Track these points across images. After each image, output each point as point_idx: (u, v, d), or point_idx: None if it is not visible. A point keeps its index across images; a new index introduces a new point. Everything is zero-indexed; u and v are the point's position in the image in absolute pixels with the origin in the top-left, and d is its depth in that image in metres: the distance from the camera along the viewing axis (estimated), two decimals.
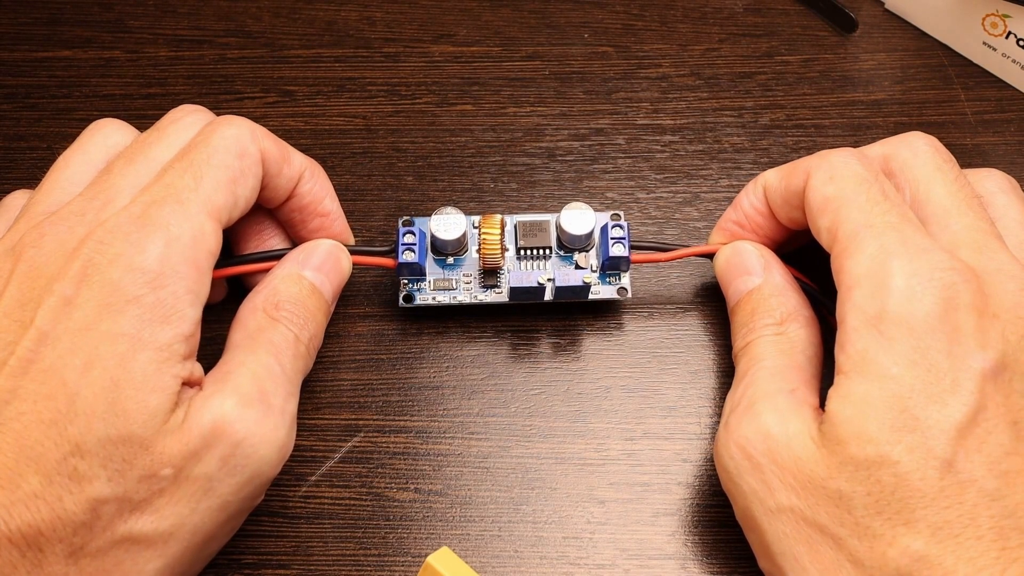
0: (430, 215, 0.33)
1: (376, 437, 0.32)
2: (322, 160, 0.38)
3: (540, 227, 0.34)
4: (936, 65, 0.41)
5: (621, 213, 0.34)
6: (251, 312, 0.29)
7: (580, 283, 0.32)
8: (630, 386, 0.33)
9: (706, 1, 0.43)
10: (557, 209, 0.37)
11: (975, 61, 0.41)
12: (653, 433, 0.32)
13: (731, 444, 0.27)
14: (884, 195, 0.28)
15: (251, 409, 0.26)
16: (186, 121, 0.30)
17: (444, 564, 0.26)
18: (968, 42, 0.41)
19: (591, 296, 0.33)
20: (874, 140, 0.38)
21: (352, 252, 0.33)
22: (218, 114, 0.39)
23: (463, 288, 0.33)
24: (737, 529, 0.31)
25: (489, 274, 0.33)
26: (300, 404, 0.32)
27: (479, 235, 0.33)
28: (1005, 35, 0.39)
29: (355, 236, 0.36)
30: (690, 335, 0.34)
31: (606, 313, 0.35)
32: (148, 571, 0.25)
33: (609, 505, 0.31)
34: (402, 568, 0.30)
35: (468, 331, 0.34)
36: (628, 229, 0.33)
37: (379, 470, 0.32)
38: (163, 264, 0.26)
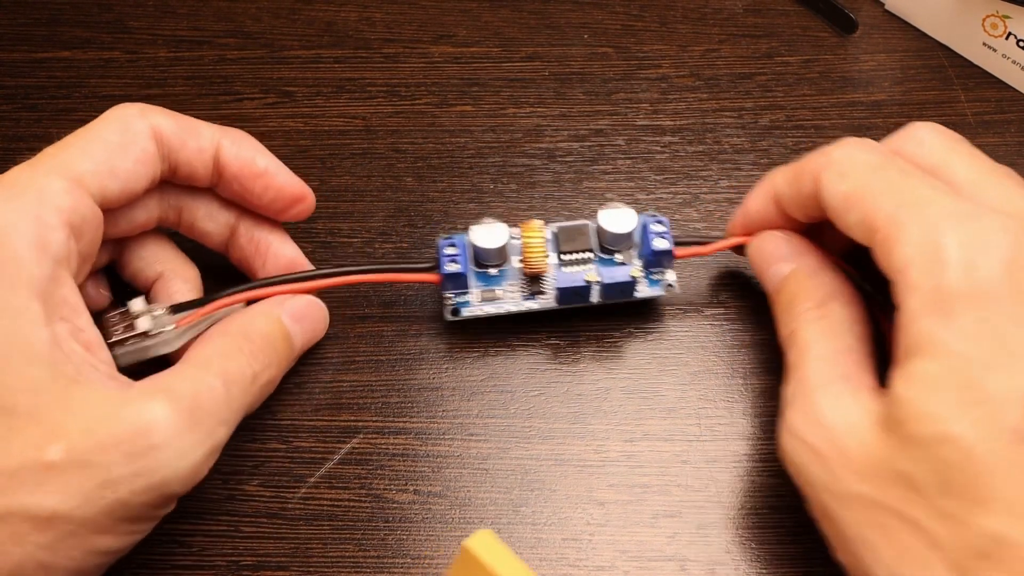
0: (447, 230, 0.33)
1: (375, 438, 0.32)
2: (321, 160, 0.38)
3: (580, 231, 0.33)
4: (936, 66, 0.41)
5: (656, 214, 0.34)
6: (219, 335, 0.29)
7: (627, 278, 0.32)
8: (629, 387, 0.33)
9: (706, 2, 0.43)
10: (557, 211, 0.37)
11: (975, 62, 0.41)
12: (653, 434, 0.32)
13: (792, 438, 0.26)
14: (904, 173, 0.27)
15: (179, 419, 0.25)
16: None
17: (484, 549, 0.24)
18: (968, 43, 0.41)
19: (638, 295, 0.33)
20: (875, 141, 0.39)
21: (394, 270, 0.32)
22: (219, 115, 0.39)
23: (509, 297, 0.33)
24: (737, 530, 0.31)
25: (534, 280, 0.33)
26: (299, 406, 0.32)
27: (521, 241, 0.32)
28: (1005, 36, 0.39)
29: (355, 237, 0.36)
30: (690, 336, 0.34)
31: (606, 314, 0.35)
32: (22, 551, 0.24)
33: (608, 507, 0.31)
34: (401, 570, 0.30)
35: (467, 332, 0.34)
36: (669, 224, 0.32)
37: (378, 471, 0.32)
38: (1, 222, 0.25)
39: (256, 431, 0.32)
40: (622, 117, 0.40)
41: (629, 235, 0.33)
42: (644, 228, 0.33)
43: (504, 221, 0.33)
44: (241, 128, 0.39)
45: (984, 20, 0.39)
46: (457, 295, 0.33)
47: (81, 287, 0.28)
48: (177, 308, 0.30)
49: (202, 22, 0.42)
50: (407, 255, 0.36)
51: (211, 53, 0.41)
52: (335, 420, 0.33)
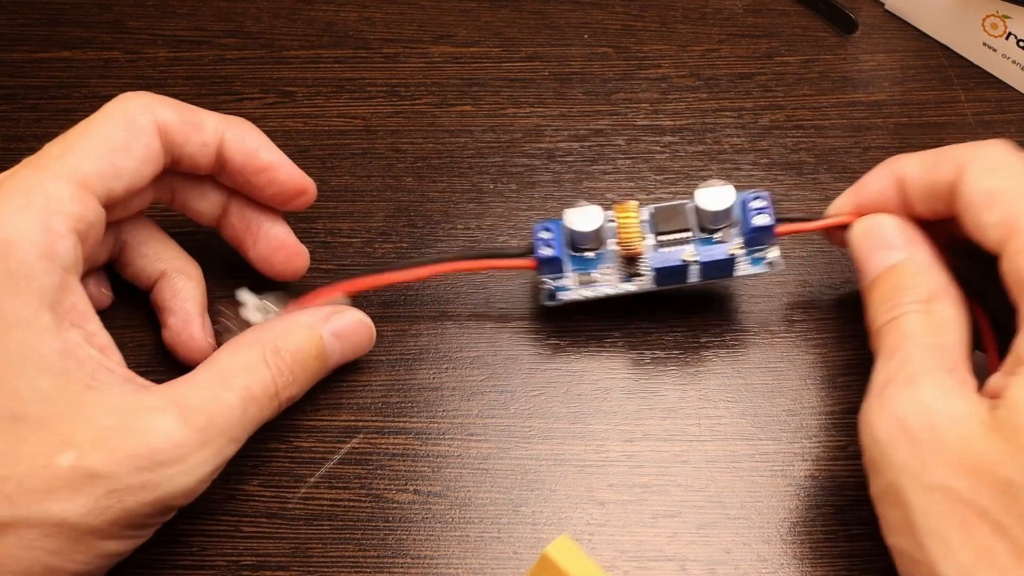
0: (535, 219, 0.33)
1: (375, 438, 0.32)
2: (321, 160, 0.38)
3: (677, 211, 0.32)
4: (936, 66, 0.41)
5: (757, 190, 0.33)
6: (249, 344, 0.29)
7: (726, 256, 0.31)
8: (629, 387, 0.33)
9: (706, 2, 0.43)
10: (557, 211, 0.37)
11: (975, 62, 0.41)
12: (653, 434, 0.32)
13: (886, 415, 0.26)
14: None
15: (190, 436, 0.25)
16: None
17: (564, 556, 0.24)
18: (968, 43, 0.41)
19: (738, 273, 0.32)
20: (874, 141, 0.39)
21: (490, 255, 0.33)
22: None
23: (605, 280, 0.32)
24: (737, 531, 0.31)
25: (630, 262, 0.32)
26: (299, 406, 0.32)
27: (616, 222, 0.32)
28: (1005, 36, 0.39)
29: (355, 237, 0.36)
30: (690, 336, 0.34)
31: (605, 313, 0.35)
32: (31, 556, 0.24)
33: (608, 507, 0.31)
34: (401, 570, 0.30)
35: (467, 332, 0.34)
36: (769, 199, 0.31)
37: (378, 471, 0.32)
38: (6, 231, 0.25)
39: (256, 431, 0.32)
40: (622, 117, 0.40)
41: (728, 212, 0.32)
42: (744, 204, 0.32)
43: (599, 204, 0.32)
44: None
45: (984, 20, 0.39)
46: (554, 279, 0.32)
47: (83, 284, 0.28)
48: (282, 300, 0.31)
49: (202, 22, 0.42)
50: (407, 255, 0.36)
51: (211, 53, 0.41)
52: (335, 420, 0.33)
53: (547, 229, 0.32)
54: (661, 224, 0.32)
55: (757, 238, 0.32)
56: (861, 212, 0.31)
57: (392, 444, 0.32)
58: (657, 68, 0.41)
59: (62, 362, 0.25)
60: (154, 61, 0.41)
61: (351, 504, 0.31)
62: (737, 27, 0.42)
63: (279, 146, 0.38)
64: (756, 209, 0.31)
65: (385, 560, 0.30)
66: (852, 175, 0.38)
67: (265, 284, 0.33)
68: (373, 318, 0.34)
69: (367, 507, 0.31)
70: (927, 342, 0.27)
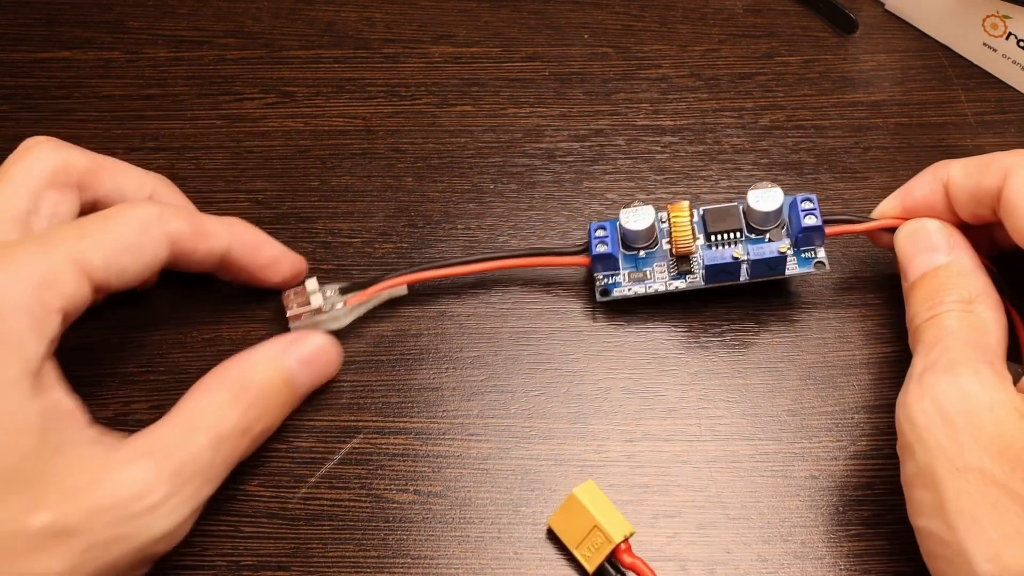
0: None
1: (375, 439, 0.32)
2: (322, 160, 0.38)
3: (728, 212, 0.33)
4: (936, 66, 0.41)
5: (806, 193, 0.34)
6: (214, 386, 0.29)
7: (776, 253, 0.32)
8: (630, 387, 0.33)
9: (706, 2, 0.43)
10: (557, 210, 0.37)
11: (975, 62, 0.41)
12: (653, 435, 0.32)
13: (926, 398, 0.26)
14: None
15: (163, 483, 0.26)
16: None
17: (588, 498, 0.29)
18: (968, 43, 0.41)
19: (788, 272, 0.33)
20: (874, 141, 0.39)
21: (546, 254, 0.34)
22: (219, 115, 0.39)
23: (658, 277, 0.33)
24: (737, 531, 0.31)
25: (682, 260, 0.33)
26: (300, 406, 0.32)
27: (669, 221, 0.33)
28: (1005, 36, 0.39)
29: (355, 237, 0.36)
30: (690, 336, 0.34)
31: (605, 313, 0.35)
32: None
33: None
34: (401, 570, 0.30)
35: (467, 332, 0.34)
36: (817, 201, 0.32)
37: (378, 472, 0.32)
38: (5, 297, 0.26)
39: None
40: (622, 117, 0.40)
41: (777, 213, 0.33)
42: (793, 206, 0.33)
43: (651, 204, 0.33)
44: (241, 128, 0.39)
45: (984, 20, 0.39)
46: (607, 276, 0.34)
47: None
48: (345, 289, 0.33)
49: (202, 22, 0.42)
50: (407, 255, 0.36)
51: (211, 53, 0.41)
52: (335, 420, 0.33)
53: (602, 228, 0.33)
54: (712, 224, 0.33)
55: (806, 238, 0.33)
56: (907, 215, 0.32)
57: (392, 444, 0.32)
58: (657, 68, 0.41)
59: (40, 424, 0.25)
60: (154, 61, 0.41)
61: (351, 504, 0.31)
62: (737, 27, 0.42)
63: (279, 146, 0.39)
64: (805, 210, 0.32)
65: (385, 560, 0.30)
66: (852, 175, 0.38)
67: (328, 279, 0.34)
68: (373, 318, 0.34)
69: (367, 507, 0.31)
70: (967, 337, 0.28)
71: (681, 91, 0.40)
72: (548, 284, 0.35)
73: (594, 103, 0.40)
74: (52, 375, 0.27)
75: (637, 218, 0.33)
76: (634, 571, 0.29)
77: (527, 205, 0.37)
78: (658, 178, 0.38)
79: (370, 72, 0.41)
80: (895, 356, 0.34)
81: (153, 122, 0.39)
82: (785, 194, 0.33)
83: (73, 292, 0.27)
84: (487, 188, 0.38)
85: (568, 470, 0.32)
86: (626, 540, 0.29)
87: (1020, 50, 0.39)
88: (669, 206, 0.33)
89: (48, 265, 0.27)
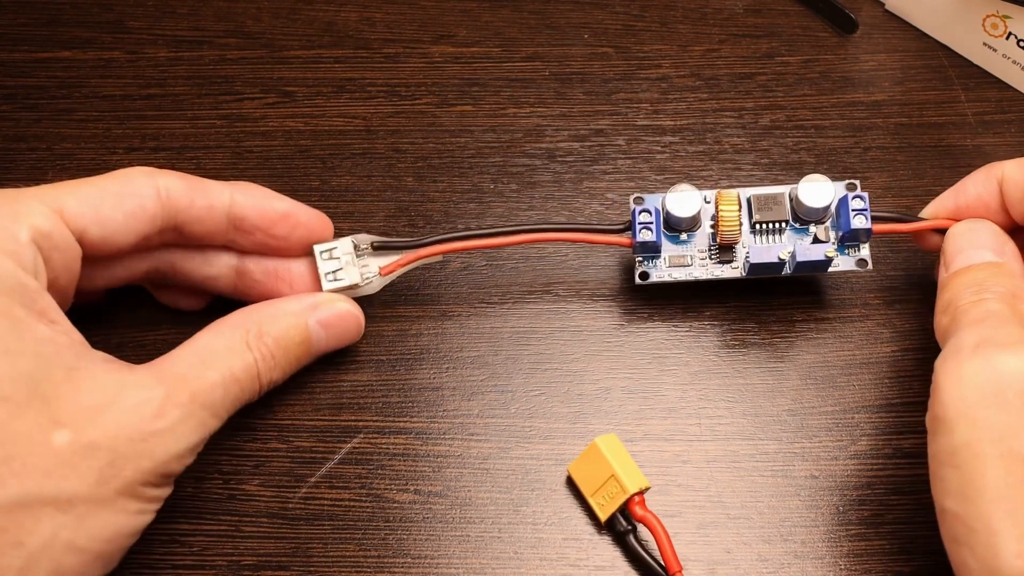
0: (664, 192, 0.33)
1: (376, 438, 0.32)
2: (322, 160, 0.38)
3: (775, 200, 0.33)
4: (936, 66, 0.41)
5: (857, 183, 0.33)
6: (236, 325, 0.29)
7: (822, 257, 0.32)
8: (630, 387, 0.33)
9: (706, 2, 0.43)
10: (557, 210, 0.37)
11: (975, 62, 0.41)
12: (653, 434, 0.32)
13: (986, 370, 0.25)
14: None
15: (174, 408, 0.26)
16: None
17: (608, 447, 0.30)
18: (968, 43, 0.41)
19: (831, 269, 0.32)
20: (874, 141, 0.39)
21: (589, 230, 0.33)
22: (219, 115, 0.39)
23: (698, 264, 0.33)
24: (737, 530, 0.31)
25: (725, 249, 0.33)
26: (300, 406, 0.32)
27: (717, 211, 0.32)
28: (1005, 36, 0.39)
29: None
30: (690, 336, 0.34)
31: (605, 313, 0.35)
32: (48, 531, 0.24)
33: None
34: (402, 569, 0.30)
35: (467, 332, 0.34)
36: (868, 200, 0.32)
37: (379, 471, 0.32)
38: None
39: (257, 431, 0.32)
40: (622, 117, 0.40)
41: (825, 208, 0.32)
42: (843, 202, 0.32)
43: (696, 187, 0.33)
44: (241, 128, 0.39)
45: (984, 20, 0.39)
46: (648, 259, 0.33)
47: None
48: (379, 246, 0.32)
49: (202, 22, 0.42)
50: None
51: (211, 53, 0.41)
52: (336, 420, 0.33)
53: (647, 211, 0.32)
54: (758, 212, 0.33)
55: (852, 235, 0.32)
56: (959, 215, 0.31)
57: (393, 444, 0.32)
58: (657, 68, 0.41)
59: (41, 348, 0.25)
60: (154, 61, 0.41)
61: (352, 504, 0.31)
62: (737, 27, 0.42)
63: (279, 146, 0.39)
64: (856, 210, 0.32)
65: (386, 560, 0.30)
66: (852, 175, 0.38)
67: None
68: (374, 318, 0.34)
69: (368, 507, 0.31)
70: (1011, 320, 0.27)
71: (681, 91, 0.40)
72: (548, 284, 0.35)
73: (594, 103, 0.40)
74: (52, 308, 0.27)
75: (683, 203, 0.33)
76: (645, 524, 0.29)
77: (527, 205, 0.37)
78: (658, 178, 0.38)
79: (370, 72, 0.41)
80: (895, 356, 0.34)
81: (153, 122, 0.39)
82: (834, 183, 0.32)
83: (43, 225, 0.27)
84: (487, 188, 0.38)
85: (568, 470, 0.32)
86: (640, 493, 0.30)
87: (1020, 50, 0.39)
88: (718, 194, 0.32)
89: (13, 204, 0.27)
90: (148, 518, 0.27)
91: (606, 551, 0.30)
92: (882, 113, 0.40)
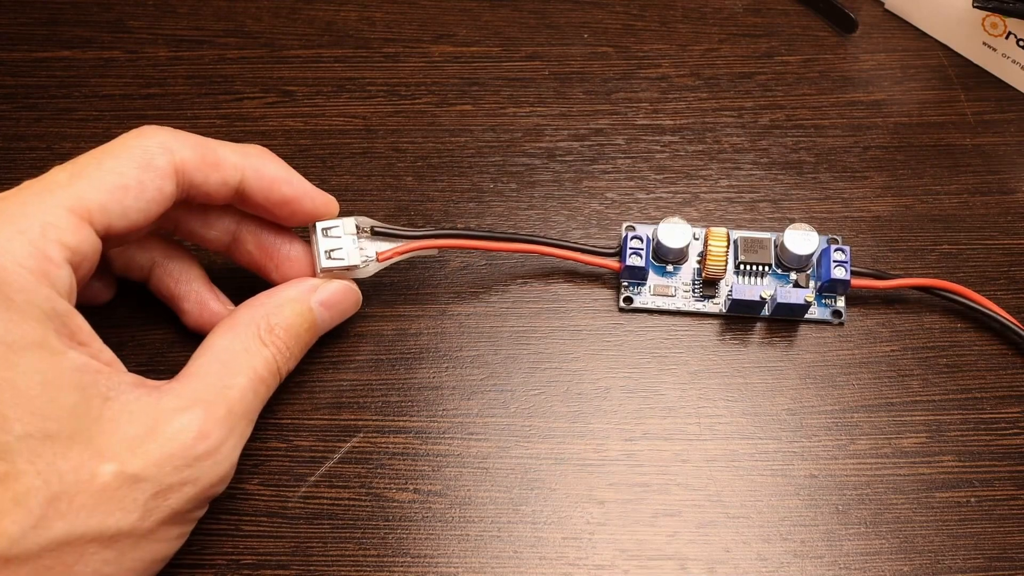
0: (656, 223, 0.34)
1: (375, 437, 0.32)
2: (322, 160, 0.38)
3: (761, 244, 0.34)
4: (936, 65, 0.41)
5: (839, 237, 0.35)
6: (245, 325, 0.29)
7: (801, 301, 0.33)
8: (630, 387, 0.33)
9: (706, 1, 0.43)
10: (557, 209, 0.37)
11: (975, 61, 0.41)
12: (653, 434, 0.32)
13: None
14: None
15: (216, 428, 0.26)
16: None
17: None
18: (968, 43, 0.41)
19: (807, 316, 0.34)
20: (874, 141, 0.39)
21: (580, 251, 0.34)
22: (219, 114, 0.39)
23: (681, 295, 0.34)
24: (737, 530, 0.31)
25: (708, 284, 0.34)
26: (299, 405, 0.32)
27: (705, 246, 0.34)
28: (1005, 35, 0.39)
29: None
30: (690, 336, 0.34)
31: (605, 313, 0.35)
32: (89, 569, 0.24)
33: (608, 506, 0.31)
34: (401, 568, 0.30)
35: (467, 332, 0.34)
36: (849, 254, 0.33)
37: (378, 470, 0.32)
38: (4, 261, 0.25)
39: (256, 430, 0.32)
40: (622, 117, 0.40)
41: (808, 257, 0.34)
42: (825, 252, 0.34)
43: (688, 224, 0.34)
44: (241, 128, 0.39)
45: (984, 20, 0.39)
46: (633, 285, 0.34)
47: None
48: (378, 232, 0.32)
49: (202, 22, 0.42)
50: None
51: (211, 53, 0.41)
52: (335, 419, 0.33)
53: (638, 238, 0.34)
54: (744, 254, 0.34)
55: (831, 287, 0.34)
56: None
57: (392, 443, 0.32)
58: (657, 68, 0.41)
59: (79, 378, 0.25)
60: (154, 61, 0.41)
61: (351, 503, 0.31)
62: (737, 27, 0.42)
63: (279, 146, 0.38)
64: (837, 261, 0.33)
65: (385, 559, 0.30)
66: (852, 174, 0.38)
67: None
68: (374, 318, 0.34)
69: (367, 506, 0.31)
70: None
71: (681, 90, 0.40)
72: (548, 284, 0.35)
73: (594, 102, 0.40)
74: (83, 329, 0.26)
75: (674, 235, 0.34)
76: None
77: (527, 204, 0.37)
78: (658, 177, 0.38)
79: (370, 71, 0.41)
80: (895, 356, 0.34)
81: (153, 121, 0.39)
82: (820, 235, 0.34)
83: (74, 241, 0.26)
84: (487, 187, 0.38)
85: (568, 469, 0.32)
86: None
87: (1020, 50, 0.39)
88: (708, 231, 0.34)
89: (42, 216, 0.26)
90: (182, 542, 0.27)
91: (605, 551, 0.30)
92: (882, 113, 0.40)
